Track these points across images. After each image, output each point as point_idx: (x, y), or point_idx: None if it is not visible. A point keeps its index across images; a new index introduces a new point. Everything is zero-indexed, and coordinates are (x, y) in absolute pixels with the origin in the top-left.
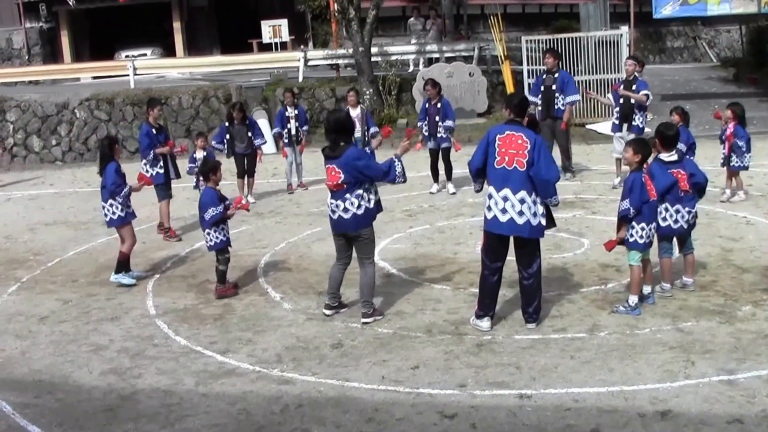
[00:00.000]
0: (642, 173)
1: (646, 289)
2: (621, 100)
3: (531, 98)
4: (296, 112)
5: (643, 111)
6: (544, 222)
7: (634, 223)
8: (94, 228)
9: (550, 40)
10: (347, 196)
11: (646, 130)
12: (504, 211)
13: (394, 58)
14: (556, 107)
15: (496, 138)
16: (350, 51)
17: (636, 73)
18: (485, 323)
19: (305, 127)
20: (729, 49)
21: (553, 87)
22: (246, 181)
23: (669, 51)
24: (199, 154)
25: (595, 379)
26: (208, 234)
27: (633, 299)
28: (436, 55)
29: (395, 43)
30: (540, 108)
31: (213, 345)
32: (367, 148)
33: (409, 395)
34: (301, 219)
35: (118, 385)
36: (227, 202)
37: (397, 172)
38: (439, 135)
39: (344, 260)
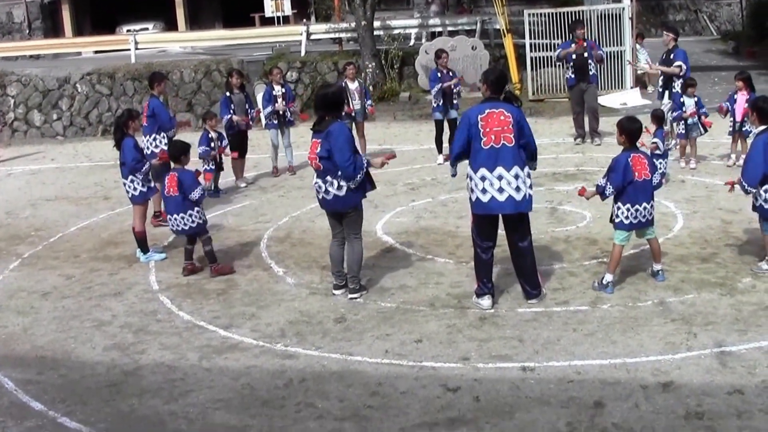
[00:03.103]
0: (630, 154)
1: (656, 267)
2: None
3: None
4: (283, 90)
5: (681, 77)
6: (532, 191)
7: (619, 203)
8: (95, 203)
9: (552, 13)
10: (328, 177)
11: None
12: (501, 190)
13: (396, 32)
14: (590, 73)
15: (478, 118)
16: (353, 25)
17: (673, 42)
18: (486, 302)
19: (293, 105)
20: (729, 23)
21: (585, 54)
22: (239, 162)
23: (670, 24)
24: (213, 134)
25: (597, 352)
26: (191, 216)
27: (608, 277)
28: (439, 29)
29: (398, 17)
30: (573, 75)
31: (216, 320)
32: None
33: (413, 369)
34: (305, 193)
35: (122, 361)
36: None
37: (359, 172)
38: (455, 102)
39: (340, 236)
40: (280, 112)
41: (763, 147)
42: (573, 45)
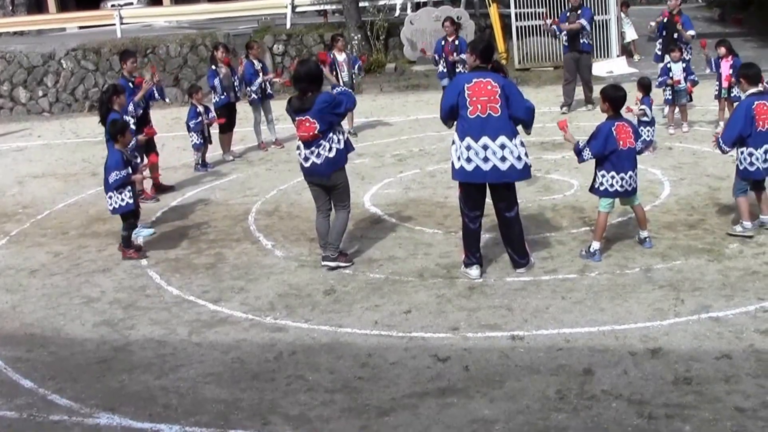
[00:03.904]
0: (614, 122)
1: (643, 234)
2: (664, 32)
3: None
4: (261, 64)
5: (687, 44)
6: (529, 161)
7: (604, 171)
8: (83, 179)
9: None
10: (321, 142)
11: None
12: (486, 159)
13: (381, 2)
14: (581, 41)
15: (465, 87)
16: None
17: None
18: (475, 271)
19: (270, 76)
20: None
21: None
22: (227, 136)
23: None
24: (201, 108)
25: (586, 319)
26: (111, 197)
27: (594, 245)
28: (424, 0)
29: None
30: (566, 43)
31: (205, 294)
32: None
33: (402, 339)
34: (292, 166)
35: (111, 337)
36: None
37: (352, 94)
38: (457, 70)
39: (325, 208)
40: (263, 86)
41: (746, 110)
42: (569, 13)
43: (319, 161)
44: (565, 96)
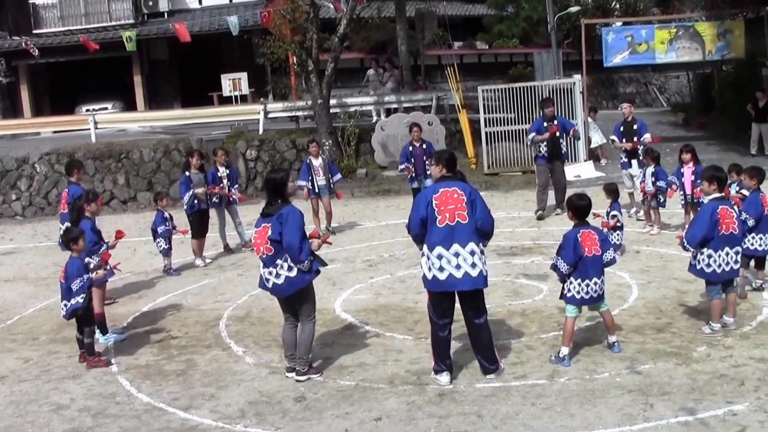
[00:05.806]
0: (579, 230)
1: (612, 339)
2: (623, 139)
3: (533, 135)
4: (228, 171)
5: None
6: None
7: (572, 278)
8: (54, 284)
9: (505, 89)
10: (278, 261)
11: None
12: (458, 267)
13: (352, 109)
14: (562, 151)
15: (432, 198)
16: (309, 103)
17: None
18: (445, 378)
19: (236, 186)
20: (678, 94)
21: (557, 133)
22: (199, 242)
23: (621, 97)
24: (167, 214)
25: (556, 425)
26: (66, 305)
27: (563, 351)
28: (395, 106)
29: (354, 94)
30: (544, 153)
31: (176, 401)
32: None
33: None
34: None
35: None
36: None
37: (308, 258)
38: (428, 172)
39: (292, 319)
40: (216, 191)
41: (711, 213)
42: (547, 133)
43: (279, 281)
44: (539, 202)
